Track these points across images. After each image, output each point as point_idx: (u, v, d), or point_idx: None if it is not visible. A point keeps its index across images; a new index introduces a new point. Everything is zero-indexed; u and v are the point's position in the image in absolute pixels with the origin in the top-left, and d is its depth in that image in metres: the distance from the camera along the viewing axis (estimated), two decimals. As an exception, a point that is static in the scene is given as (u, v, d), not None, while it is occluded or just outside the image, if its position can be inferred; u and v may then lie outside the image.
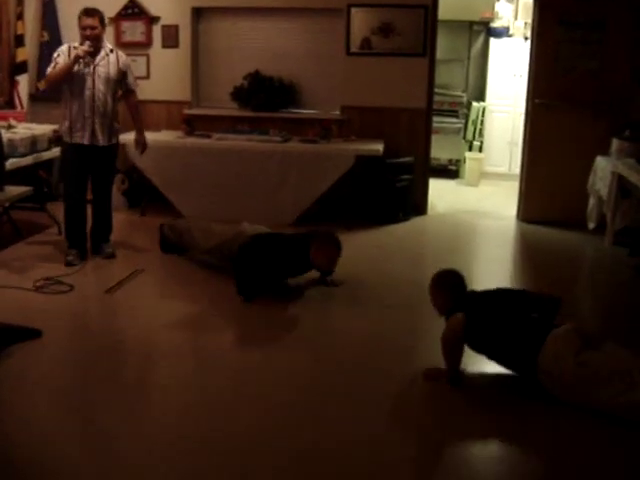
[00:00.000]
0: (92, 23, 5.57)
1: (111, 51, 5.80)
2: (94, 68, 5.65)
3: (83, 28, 5.59)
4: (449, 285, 4.15)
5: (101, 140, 5.76)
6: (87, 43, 5.53)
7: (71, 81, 5.60)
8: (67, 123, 5.69)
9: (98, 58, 5.67)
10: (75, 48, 5.57)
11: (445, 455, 3.38)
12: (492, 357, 3.95)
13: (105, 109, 5.74)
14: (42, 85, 5.96)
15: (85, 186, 5.88)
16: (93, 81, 5.64)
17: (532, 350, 3.72)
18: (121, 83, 5.89)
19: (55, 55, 5.67)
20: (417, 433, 3.55)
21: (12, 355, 4.15)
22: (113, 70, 5.75)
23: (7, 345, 4.21)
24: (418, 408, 3.82)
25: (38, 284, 5.27)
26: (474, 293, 4.13)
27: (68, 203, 5.87)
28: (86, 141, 5.69)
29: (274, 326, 4.79)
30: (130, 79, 5.97)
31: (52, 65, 5.62)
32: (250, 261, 5.16)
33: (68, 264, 5.69)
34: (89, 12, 5.61)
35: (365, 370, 4.14)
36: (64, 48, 5.71)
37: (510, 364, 3.92)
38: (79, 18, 5.63)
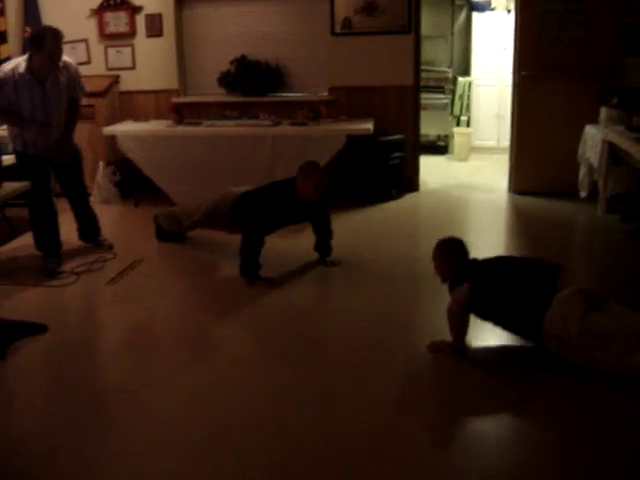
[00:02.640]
0: (60, 48, 5.19)
1: (62, 63, 5.35)
2: (45, 96, 5.27)
3: (58, 52, 5.18)
4: (453, 251, 4.20)
5: (59, 156, 5.53)
6: (61, 76, 5.26)
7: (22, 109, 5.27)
8: (19, 139, 5.40)
9: (48, 83, 5.27)
10: (14, 71, 5.13)
11: (456, 428, 3.40)
12: (498, 323, 4.00)
13: (59, 129, 5.48)
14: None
15: (49, 189, 5.57)
16: (44, 109, 5.31)
17: (538, 314, 3.76)
18: (71, 95, 5.53)
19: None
20: (424, 407, 3.57)
21: (19, 351, 4.16)
22: (63, 90, 5.39)
23: (13, 341, 4.22)
24: (423, 381, 3.85)
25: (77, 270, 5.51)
26: (476, 261, 4.17)
27: (34, 210, 5.56)
28: (43, 153, 5.46)
29: (275, 311, 4.79)
30: (78, 92, 5.60)
31: None
32: (246, 212, 5.29)
33: (50, 273, 5.40)
34: (58, 35, 5.14)
35: (369, 346, 4.17)
36: (9, 74, 5.14)
37: (516, 329, 3.97)
38: (53, 41, 5.10)
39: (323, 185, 5.26)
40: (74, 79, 5.51)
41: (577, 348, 3.66)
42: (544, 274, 3.97)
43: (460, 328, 3.94)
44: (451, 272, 4.12)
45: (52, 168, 5.63)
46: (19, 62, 5.23)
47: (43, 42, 5.08)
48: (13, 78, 5.14)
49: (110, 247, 6.02)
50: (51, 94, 5.30)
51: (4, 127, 6.24)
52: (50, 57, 5.16)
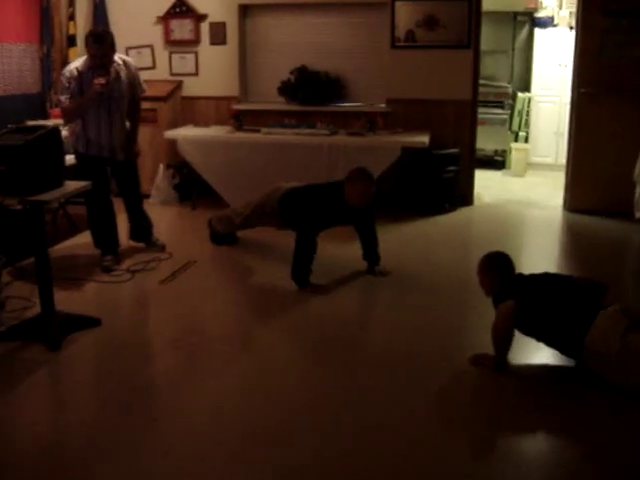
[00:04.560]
0: (102, 51, 5.28)
1: (122, 63, 5.54)
2: (108, 93, 5.41)
3: (97, 55, 5.28)
4: (498, 266, 4.21)
5: (119, 156, 5.69)
6: (104, 77, 5.27)
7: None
8: (82, 139, 5.55)
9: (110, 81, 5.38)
10: (77, 69, 5.33)
11: (494, 442, 3.43)
12: (540, 339, 4.01)
13: (122, 126, 5.65)
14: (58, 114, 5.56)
15: (108, 189, 5.77)
16: (108, 105, 5.47)
17: (581, 331, 3.75)
18: (132, 93, 5.69)
19: (65, 83, 5.34)
20: (463, 419, 3.60)
21: (73, 343, 4.33)
22: (125, 87, 5.54)
23: (68, 333, 4.39)
24: (463, 394, 3.88)
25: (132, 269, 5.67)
26: (522, 276, 4.18)
27: (93, 211, 5.76)
28: (106, 154, 5.60)
29: (322, 317, 4.87)
30: (138, 90, 5.74)
31: (66, 96, 5.34)
32: (292, 210, 5.41)
33: (106, 270, 5.61)
34: (98, 39, 5.29)
35: (411, 356, 4.22)
36: (73, 72, 5.34)
37: (559, 345, 3.96)
38: (94, 43, 5.26)
39: (370, 194, 5.31)
40: (134, 77, 5.67)
41: (617, 367, 3.64)
42: (589, 293, 3.97)
43: (503, 344, 3.95)
44: (496, 287, 4.14)
45: (111, 168, 5.78)
46: (81, 60, 5.44)
47: (87, 44, 5.31)
48: (78, 75, 5.33)
49: (162, 247, 6.13)
50: (113, 90, 5.44)
51: (67, 127, 6.46)
52: (92, 58, 5.32)
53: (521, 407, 3.67)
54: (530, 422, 3.53)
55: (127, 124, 5.78)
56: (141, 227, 6.13)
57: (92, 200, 5.69)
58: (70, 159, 5.80)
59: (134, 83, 5.67)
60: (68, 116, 5.49)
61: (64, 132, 6.03)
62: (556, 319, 3.89)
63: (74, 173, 5.45)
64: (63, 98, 5.38)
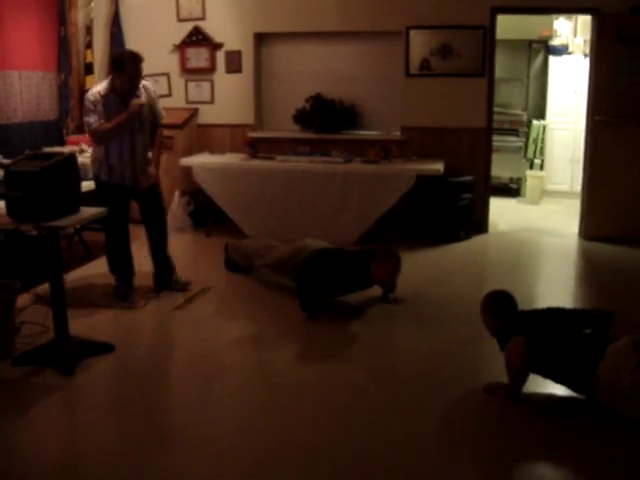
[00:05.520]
0: (141, 72, 5.38)
1: (142, 87, 5.54)
2: (131, 118, 5.41)
3: (138, 75, 5.35)
4: (498, 306, 4.18)
5: (142, 183, 5.61)
6: (142, 97, 5.40)
7: None
8: (104, 167, 5.49)
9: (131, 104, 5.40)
10: (100, 93, 5.32)
11: (504, 471, 3.39)
12: (547, 376, 3.94)
13: (144, 151, 5.59)
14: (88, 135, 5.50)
15: (127, 223, 5.72)
16: (131, 131, 5.45)
17: (590, 366, 3.70)
18: (152, 119, 5.67)
19: (91, 106, 5.31)
20: (471, 450, 3.56)
21: (88, 367, 4.33)
22: (146, 111, 5.52)
23: (82, 358, 4.40)
24: (475, 422, 3.84)
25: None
26: (524, 313, 4.16)
27: (111, 240, 5.73)
28: (128, 184, 5.55)
29: (336, 343, 4.87)
30: (157, 115, 5.72)
31: (95, 117, 5.30)
32: (313, 275, 5.29)
33: (120, 297, 5.59)
34: (140, 59, 5.35)
35: (425, 383, 4.20)
36: (97, 96, 5.33)
37: (567, 381, 3.90)
38: (134, 64, 5.30)
39: (396, 274, 5.30)
40: (154, 101, 5.68)
41: (629, 401, 3.59)
42: (595, 325, 3.92)
43: (519, 379, 3.91)
44: (498, 326, 4.12)
45: (135, 197, 5.73)
46: (103, 85, 5.45)
47: (124, 65, 5.29)
48: (101, 98, 5.33)
49: (185, 286, 5.89)
50: (134, 117, 5.43)
51: (86, 154, 6.51)
52: (130, 80, 5.33)
53: (530, 437, 3.63)
54: (538, 453, 3.49)
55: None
56: (162, 270, 5.91)
57: (110, 228, 5.69)
58: (87, 185, 5.83)
59: (154, 109, 5.68)
60: (101, 137, 5.41)
61: (80, 159, 6.09)
62: (564, 354, 3.84)
63: (92, 200, 5.46)
64: (92, 120, 5.32)
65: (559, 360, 3.86)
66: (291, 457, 3.39)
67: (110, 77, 5.46)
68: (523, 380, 3.92)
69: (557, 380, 3.95)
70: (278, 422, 3.74)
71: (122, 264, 5.78)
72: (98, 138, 5.45)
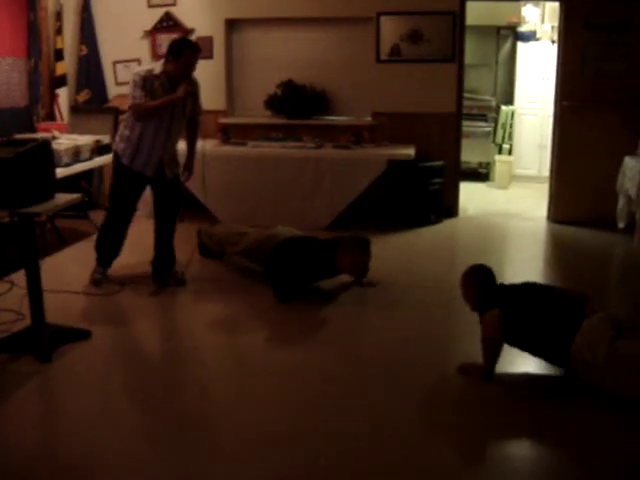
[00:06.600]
0: (197, 60, 5.28)
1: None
2: (173, 107, 5.32)
3: (193, 64, 5.26)
4: (479, 280, 4.26)
5: (168, 173, 5.53)
6: (185, 86, 5.21)
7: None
8: (130, 149, 5.37)
9: (179, 90, 5.24)
10: (150, 72, 5.22)
11: (481, 449, 3.48)
12: (525, 348, 4.06)
13: (175, 143, 5.54)
14: (129, 109, 5.30)
15: (133, 211, 5.70)
16: (171, 118, 5.36)
17: (566, 339, 3.81)
18: (192, 110, 5.56)
19: (139, 81, 5.18)
20: (450, 430, 3.62)
21: (64, 355, 4.35)
22: (189, 101, 5.42)
23: (59, 345, 4.42)
24: (451, 404, 3.92)
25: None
26: (504, 287, 4.24)
27: (111, 222, 5.66)
28: (149, 173, 5.45)
29: (309, 327, 4.92)
30: (197, 107, 5.61)
31: (141, 93, 5.17)
32: (283, 262, 5.35)
33: (96, 282, 5.60)
34: (198, 48, 5.32)
35: (400, 365, 4.27)
36: (148, 74, 5.22)
37: (545, 354, 4.02)
38: (191, 52, 5.21)
39: (361, 265, 5.39)
40: (197, 93, 5.56)
41: (605, 374, 3.69)
42: (571, 302, 4.03)
43: (493, 353, 4.00)
44: (479, 300, 4.20)
45: (153, 186, 5.63)
46: (153, 66, 5.37)
47: (182, 52, 5.21)
48: (152, 77, 5.23)
49: (181, 281, 5.76)
50: (179, 102, 5.33)
51: (59, 141, 6.46)
52: (185, 67, 5.24)
53: (508, 414, 3.72)
54: (517, 429, 3.58)
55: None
56: (163, 260, 5.82)
57: (115, 210, 5.62)
58: (61, 172, 5.81)
59: (196, 100, 5.56)
60: (142, 113, 5.24)
61: (54, 145, 6.01)
62: (541, 328, 3.95)
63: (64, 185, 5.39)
64: (137, 95, 5.18)
65: (536, 332, 3.96)
66: (259, 441, 3.43)
67: (163, 61, 5.34)
68: (497, 354, 4.00)
69: (534, 353, 4.06)
70: (247, 406, 3.80)
71: (111, 246, 5.68)
72: (139, 114, 5.28)
